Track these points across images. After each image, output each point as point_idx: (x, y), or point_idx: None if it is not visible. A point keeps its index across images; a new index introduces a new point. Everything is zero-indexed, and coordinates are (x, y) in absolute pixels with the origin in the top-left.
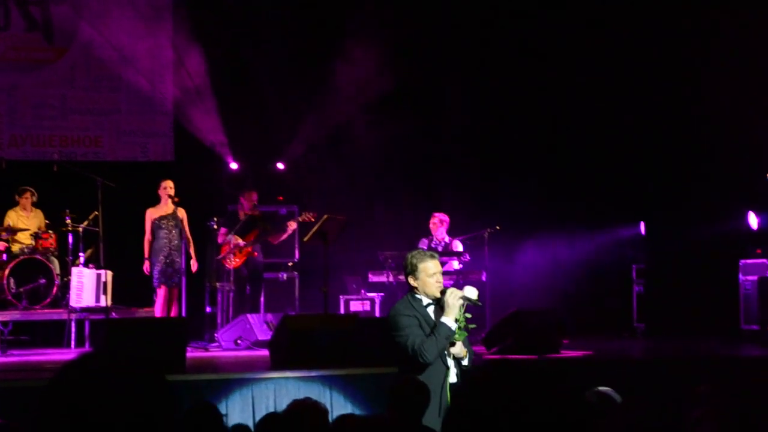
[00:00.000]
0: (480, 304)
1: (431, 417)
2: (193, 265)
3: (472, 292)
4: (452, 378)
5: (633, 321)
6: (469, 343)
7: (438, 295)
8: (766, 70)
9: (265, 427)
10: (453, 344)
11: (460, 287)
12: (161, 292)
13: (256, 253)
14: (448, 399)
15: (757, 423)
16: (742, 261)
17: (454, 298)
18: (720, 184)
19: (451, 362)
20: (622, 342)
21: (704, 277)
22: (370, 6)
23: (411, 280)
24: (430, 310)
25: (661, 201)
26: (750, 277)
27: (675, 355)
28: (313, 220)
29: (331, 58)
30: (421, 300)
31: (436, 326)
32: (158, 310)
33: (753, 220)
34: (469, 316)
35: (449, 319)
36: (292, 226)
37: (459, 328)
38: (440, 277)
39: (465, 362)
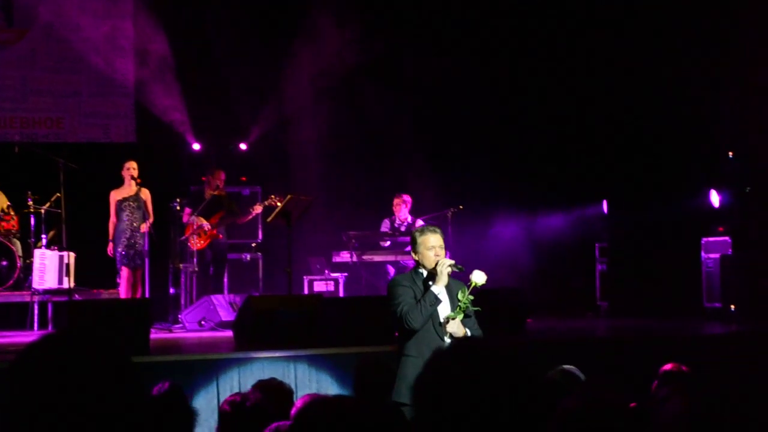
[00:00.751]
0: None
1: None
2: (144, 227)
3: (479, 276)
4: None
5: (596, 299)
6: (477, 325)
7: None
8: (729, 47)
9: (230, 408)
10: (447, 322)
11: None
12: (124, 274)
13: (221, 236)
14: None
15: (723, 400)
16: (704, 239)
17: (442, 266)
18: (682, 162)
19: (447, 339)
20: (585, 320)
21: (667, 256)
22: None
23: (413, 255)
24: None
25: (624, 180)
26: (712, 255)
27: (638, 334)
28: (279, 204)
29: (293, 38)
30: (422, 274)
31: (424, 294)
32: (123, 292)
33: (715, 199)
34: (472, 298)
35: (437, 287)
36: (257, 209)
37: (459, 308)
38: (440, 251)
39: None
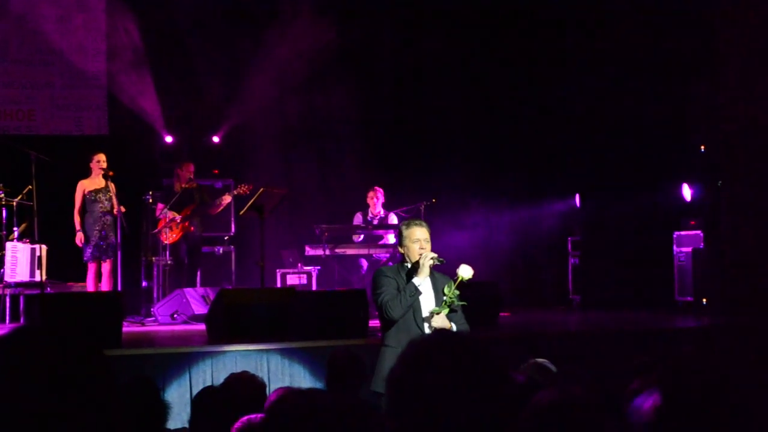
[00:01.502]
0: (444, 261)
1: None
2: (116, 210)
3: (466, 271)
4: None
5: (569, 293)
6: (464, 319)
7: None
8: (700, 40)
9: (203, 401)
10: (432, 316)
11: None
12: (93, 267)
13: (192, 228)
14: None
15: (695, 393)
16: (676, 233)
17: (425, 259)
18: (654, 156)
19: (429, 329)
20: (558, 314)
21: (639, 249)
22: None
23: (400, 248)
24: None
25: (596, 173)
26: (684, 249)
27: (610, 327)
28: (248, 192)
29: (265, 30)
30: (407, 267)
31: (406, 285)
32: (90, 285)
33: (687, 192)
34: (458, 293)
35: (418, 279)
36: (227, 199)
37: (444, 303)
38: (425, 245)
39: None
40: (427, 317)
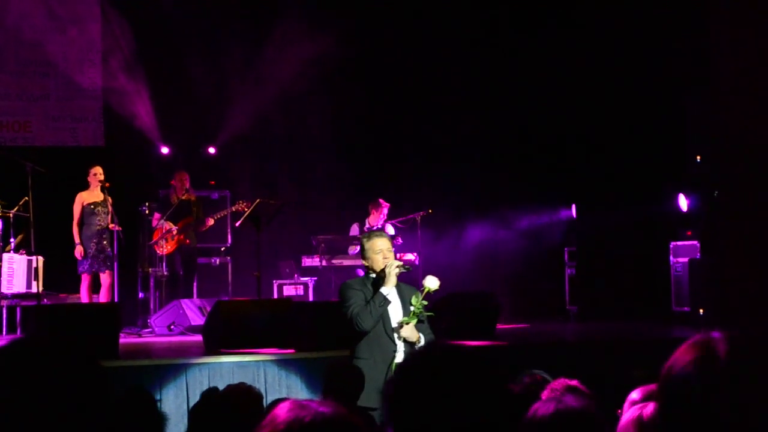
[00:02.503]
0: (410, 268)
1: (377, 394)
2: (113, 226)
3: (432, 282)
4: (400, 357)
5: (566, 304)
6: (429, 330)
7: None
8: (696, 51)
9: (201, 410)
10: (401, 326)
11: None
12: (87, 279)
13: (188, 240)
14: None
15: (694, 405)
16: (673, 243)
17: (390, 267)
18: (650, 166)
19: (400, 343)
20: (555, 325)
21: (635, 260)
22: None
23: (363, 261)
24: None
25: (592, 184)
26: (681, 259)
27: (607, 338)
28: (246, 209)
29: (263, 41)
30: (372, 278)
31: (373, 295)
32: (84, 296)
33: (683, 202)
34: (425, 303)
35: (386, 288)
36: (210, 222)
37: (413, 313)
38: (388, 254)
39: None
40: (396, 327)
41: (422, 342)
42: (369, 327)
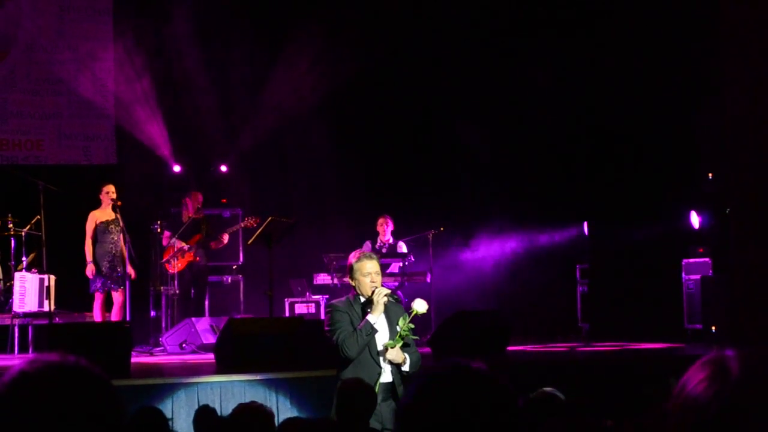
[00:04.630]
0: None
1: None
2: (132, 273)
3: (420, 305)
4: (385, 378)
5: (578, 321)
6: (415, 349)
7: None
8: (708, 68)
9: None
10: (386, 350)
11: (405, 289)
12: (100, 297)
13: (198, 258)
14: (378, 399)
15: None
16: (685, 260)
17: (378, 296)
18: (662, 183)
19: (385, 365)
20: (566, 342)
21: (647, 277)
22: (312, 7)
23: (351, 282)
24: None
25: (604, 201)
26: (693, 277)
27: (619, 356)
28: (255, 225)
29: (274, 60)
30: (360, 300)
31: (361, 323)
32: (97, 315)
33: (695, 220)
34: (412, 326)
35: (373, 317)
36: (226, 237)
37: (399, 336)
38: (375, 277)
39: (405, 368)
40: (381, 351)
41: (408, 363)
42: (355, 355)
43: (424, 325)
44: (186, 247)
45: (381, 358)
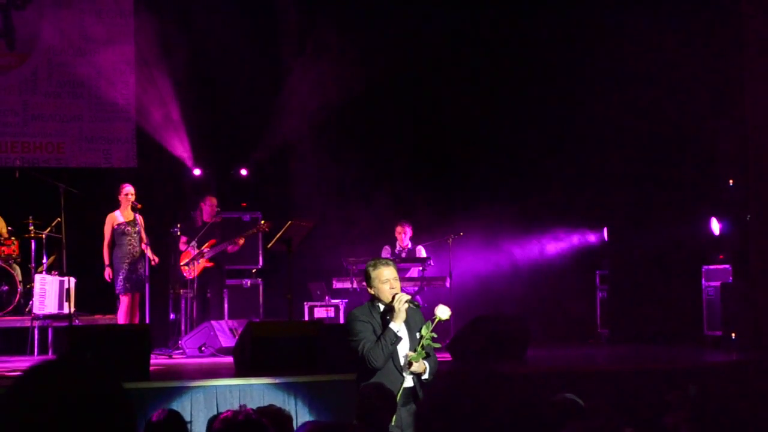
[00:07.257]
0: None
1: None
2: (154, 259)
3: (443, 311)
4: (407, 383)
5: (597, 327)
6: (434, 356)
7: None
8: (728, 75)
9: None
10: (411, 364)
11: (425, 294)
12: (125, 300)
13: (212, 263)
14: (399, 404)
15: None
16: (705, 267)
17: (399, 302)
18: (683, 190)
19: (407, 376)
20: (586, 348)
21: (667, 283)
22: (334, 9)
23: (369, 289)
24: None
25: (625, 207)
26: (713, 283)
27: (639, 362)
28: (267, 230)
29: (294, 64)
30: (379, 307)
31: (384, 332)
32: (121, 318)
33: (715, 226)
34: (435, 335)
35: (396, 324)
36: (241, 241)
37: (421, 346)
38: (395, 284)
39: (425, 376)
40: (404, 364)
41: (428, 372)
42: (381, 365)
43: (444, 330)
44: (204, 250)
45: (404, 369)
